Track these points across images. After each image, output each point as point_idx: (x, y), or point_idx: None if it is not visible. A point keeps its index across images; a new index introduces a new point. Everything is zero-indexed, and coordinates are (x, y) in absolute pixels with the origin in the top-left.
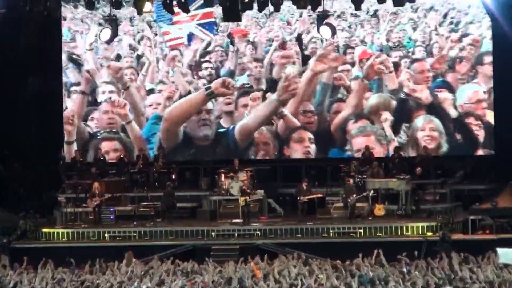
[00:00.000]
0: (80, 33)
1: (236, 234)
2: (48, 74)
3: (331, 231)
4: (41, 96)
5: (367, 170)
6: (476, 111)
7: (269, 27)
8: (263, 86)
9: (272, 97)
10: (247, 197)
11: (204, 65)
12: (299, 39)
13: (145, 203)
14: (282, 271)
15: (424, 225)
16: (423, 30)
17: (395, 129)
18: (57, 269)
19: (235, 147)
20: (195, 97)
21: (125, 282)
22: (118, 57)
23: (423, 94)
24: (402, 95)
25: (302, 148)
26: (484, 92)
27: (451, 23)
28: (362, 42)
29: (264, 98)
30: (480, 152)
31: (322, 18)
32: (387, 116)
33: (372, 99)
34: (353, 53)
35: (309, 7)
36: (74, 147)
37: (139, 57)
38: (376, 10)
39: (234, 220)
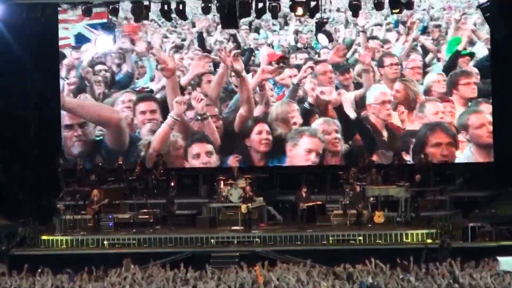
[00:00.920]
0: None
1: (235, 241)
2: (46, 80)
3: (330, 238)
4: (39, 102)
5: (366, 177)
6: (380, 113)
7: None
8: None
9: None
10: (249, 204)
11: (98, 67)
12: (201, 40)
13: (144, 210)
14: (283, 278)
15: (423, 232)
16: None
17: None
18: (56, 276)
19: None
20: None
21: None
22: None
23: (331, 96)
24: (309, 101)
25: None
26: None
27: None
28: (270, 45)
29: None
30: (479, 159)
31: (320, 26)
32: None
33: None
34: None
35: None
36: None
37: None
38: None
39: (233, 227)
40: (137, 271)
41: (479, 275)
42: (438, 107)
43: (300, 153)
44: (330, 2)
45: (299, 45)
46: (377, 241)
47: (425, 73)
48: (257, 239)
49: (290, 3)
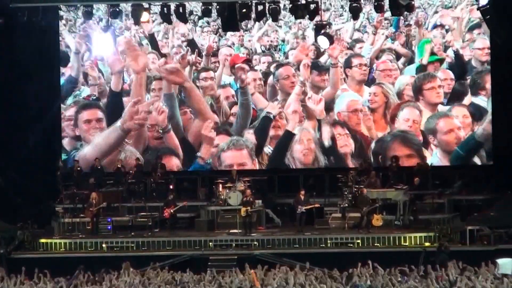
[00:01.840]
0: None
1: (234, 244)
2: (46, 84)
3: (329, 241)
4: (39, 106)
5: (365, 180)
6: (350, 121)
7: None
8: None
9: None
10: (249, 208)
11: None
12: (152, 39)
13: (142, 214)
14: (281, 281)
15: (422, 235)
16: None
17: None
18: (55, 279)
19: None
20: None
21: None
22: None
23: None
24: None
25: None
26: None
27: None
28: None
29: None
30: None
31: (319, 28)
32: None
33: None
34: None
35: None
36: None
37: None
38: None
39: (232, 230)
40: (135, 274)
41: (477, 279)
42: (415, 114)
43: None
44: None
45: (262, 48)
46: (375, 244)
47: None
48: (256, 242)
49: (290, 5)
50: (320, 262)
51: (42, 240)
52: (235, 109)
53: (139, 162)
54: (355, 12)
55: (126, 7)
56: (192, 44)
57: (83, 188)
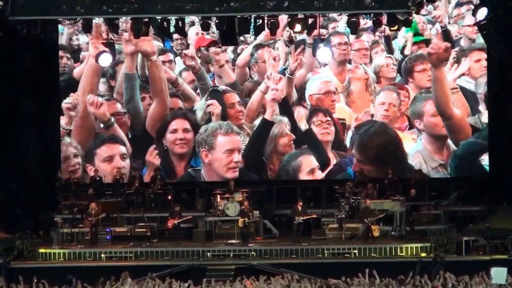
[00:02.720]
0: None
1: (231, 255)
2: (45, 96)
3: (326, 252)
4: (39, 117)
5: (362, 192)
6: (324, 105)
7: None
8: None
9: None
10: (246, 218)
11: None
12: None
13: (141, 224)
14: None
15: (418, 246)
16: None
17: None
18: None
19: None
20: None
21: None
22: None
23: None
24: None
25: None
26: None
27: None
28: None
29: None
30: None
31: (318, 42)
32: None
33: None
34: None
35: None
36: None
37: None
38: None
39: (229, 241)
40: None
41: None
42: (391, 97)
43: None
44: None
45: None
46: (372, 255)
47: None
48: (253, 253)
49: (289, 19)
50: (317, 272)
51: (41, 250)
52: None
53: (137, 173)
54: (353, 27)
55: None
56: None
57: (82, 198)
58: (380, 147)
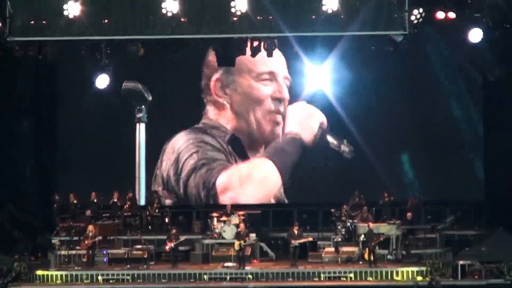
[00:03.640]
0: None
1: (228, 278)
2: (42, 117)
3: (322, 274)
4: (36, 139)
5: (358, 215)
6: None
7: None
8: None
9: None
10: (242, 241)
11: None
12: None
13: (138, 246)
14: None
15: (414, 269)
16: None
17: None
18: None
19: None
20: None
21: None
22: None
23: None
24: None
25: None
26: None
27: None
28: None
29: None
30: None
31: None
32: None
33: None
34: None
35: None
36: None
37: None
38: None
39: (226, 264)
40: None
41: None
42: None
43: None
44: None
45: None
46: (368, 278)
47: None
48: (250, 275)
49: None
50: None
51: (39, 272)
52: None
53: (134, 195)
54: None
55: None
56: None
57: (80, 220)
58: None
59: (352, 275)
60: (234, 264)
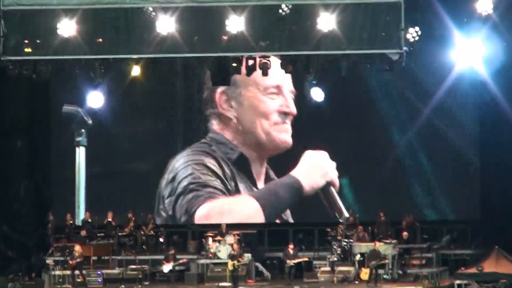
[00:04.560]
0: None
1: None
2: (36, 136)
3: None
4: (29, 158)
5: (354, 235)
6: None
7: None
8: None
9: None
10: (235, 262)
11: None
12: None
13: (133, 266)
14: None
15: None
16: None
17: None
18: None
19: None
20: None
21: None
22: None
23: None
24: None
25: None
26: None
27: None
28: None
29: None
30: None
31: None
32: None
33: None
34: None
35: None
36: None
37: None
38: None
39: (221, 284)
40: None
41: None
42: None
43: None
44: None
45: None
46: None
47: None
48: None
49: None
50: None
51: None
52: None
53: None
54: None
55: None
56: None
57: (74, 240)
58: None
59: None
60: (229, 284)
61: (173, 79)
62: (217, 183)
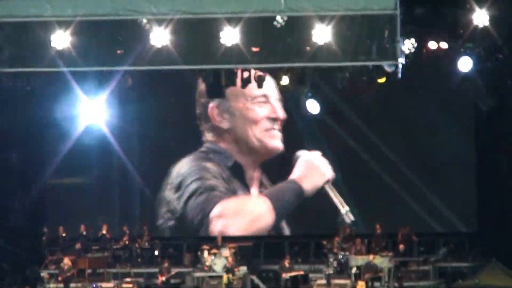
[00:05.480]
0: None
1: None
2: (31, 148)
3: None
4: (24, 170)
5: (350, 247)
6: None
7: None
8: None
9: None
10: (231, 275)
11: None
12: None
13: (128, 279)
14: None
15: None
16: None
17: None
18: None
19: None
20: None
21: None
22: None
23: None
24: None
25: None
26: None
27: None
28: None
29: None
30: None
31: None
32: None
33: None
34: None
35: None
36: None
37: None
38: None
39: None
40: None
41: None
42: None
43: None
44: None
45: None
46: None
47: None
48: None
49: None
50: None
51: None
52: None
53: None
54: None
55: None
56: None
57: (69, 253)
58: None
59: None
60: None
61: (168, 92)
62: (222, 187)
